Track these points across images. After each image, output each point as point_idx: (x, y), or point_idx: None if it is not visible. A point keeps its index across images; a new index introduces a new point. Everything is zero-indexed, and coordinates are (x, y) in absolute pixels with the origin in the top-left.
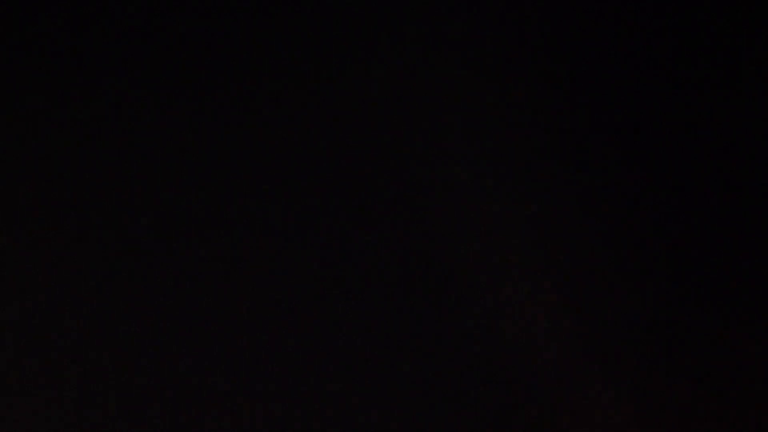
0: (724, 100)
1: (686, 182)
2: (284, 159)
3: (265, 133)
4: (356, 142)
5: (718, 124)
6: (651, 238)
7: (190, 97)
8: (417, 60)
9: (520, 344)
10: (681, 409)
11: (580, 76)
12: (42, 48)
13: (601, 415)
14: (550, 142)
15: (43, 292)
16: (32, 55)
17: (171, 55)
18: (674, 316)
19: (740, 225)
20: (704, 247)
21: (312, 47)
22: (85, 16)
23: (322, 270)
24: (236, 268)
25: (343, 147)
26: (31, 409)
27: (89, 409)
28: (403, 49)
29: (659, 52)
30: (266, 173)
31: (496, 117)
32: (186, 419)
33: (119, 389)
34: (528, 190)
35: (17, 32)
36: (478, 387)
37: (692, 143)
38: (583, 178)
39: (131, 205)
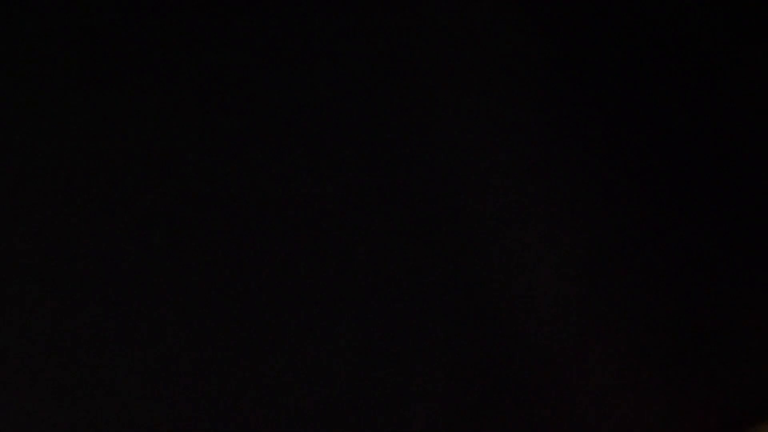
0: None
1: (703, 151)
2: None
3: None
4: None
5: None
6: (666, 214)
7: (189, 91)
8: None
9: (526, 309)
10: (687, 379)
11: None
12: (42, 47)
13: (605, 379)
14: (564, 113)
15: (43, 292)
16: (32, 54)
17: (169, 49)
18: (686, 283)
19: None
20: (721, 226)
21: (316, 38)
22: (84, 16)
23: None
24: (236, 257)
25: (355, 136)
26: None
27: (90, 408)
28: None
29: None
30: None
31: (511, 98)
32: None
33: (118, 388)
34: (540, 161)
35: (17, 32)
36: (485, 354)
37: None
38: (591, 150)
39: (131, 203)
